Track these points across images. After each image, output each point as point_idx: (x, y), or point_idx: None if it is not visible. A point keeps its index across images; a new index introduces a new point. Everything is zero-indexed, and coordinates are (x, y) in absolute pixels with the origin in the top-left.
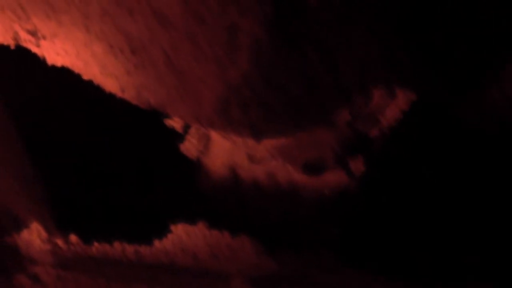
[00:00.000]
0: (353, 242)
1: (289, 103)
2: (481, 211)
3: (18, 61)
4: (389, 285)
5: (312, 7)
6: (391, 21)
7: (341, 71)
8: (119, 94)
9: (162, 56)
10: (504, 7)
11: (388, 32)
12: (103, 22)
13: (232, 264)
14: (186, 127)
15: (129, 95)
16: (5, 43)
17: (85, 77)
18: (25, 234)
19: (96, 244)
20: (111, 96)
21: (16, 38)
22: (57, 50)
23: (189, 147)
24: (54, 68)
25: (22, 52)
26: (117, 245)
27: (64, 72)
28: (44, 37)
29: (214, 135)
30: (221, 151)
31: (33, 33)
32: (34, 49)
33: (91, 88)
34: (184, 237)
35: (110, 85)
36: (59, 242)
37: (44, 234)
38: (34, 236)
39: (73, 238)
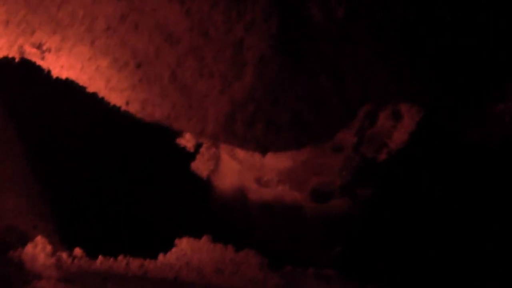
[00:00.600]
0: (357, 259)
1: (295, 120)
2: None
3: (23, 73)
4: None
5: (317, 22)
6: (396, 37)
7: (347, 88)
8: (123, 107)
9: (167, 71)
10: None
11: (394, 49)
12: (107, 37)
13: (236, 279)
14: (198, 146)
15: (133, 108)
16: (10, 55)
17: (90, 90)
18: (29, 249)
19: (100, 258)
20: (116, 111)
21: (21, 51)
22: (62, 63)
23: (200, 166)
24: (58, 81)
25: (26, 65)
26: (121, 259)
27: (69, 85)
28: (49, 51)
29: (224, 156)
30: (230, 172)
31: (38, 47)
32: (39, 62)
33: (96, 102)
34: (188, 251)
35: (114, 98)
36: (64, 256)
37: (48, 248)
38: (38, 250)
39: (77, 251)
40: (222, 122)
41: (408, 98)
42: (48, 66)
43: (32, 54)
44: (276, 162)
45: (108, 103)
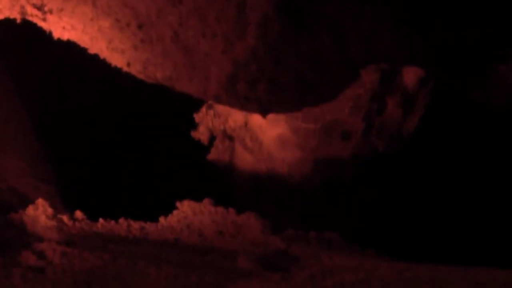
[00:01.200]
0: (359, 224)
1: (296, 79)
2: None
3: (24, 35)
4: (394, 264)
5: None
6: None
7: (349, 47)
8: (125, 68)
9: (169, 31)
10: None
11: (396, 9)
12: None
13: (238, 241)
14: (212, 139)
15: (135, 69)
16: (12, 17)
17: (91, 51)
18: (30, 211)
19: (101, 220)
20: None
21: (22, 12)
22: (64, 24)
23: (215, 158)
24: (60, 42)
25: (28, 26)
26: (122, 221)
27: (71, 46)
28: (50, 12)
29: (238, 147)
30: (244, 163)
31: (39, 8)
32: (40, 23)
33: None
34: (189, 214)
35: (116, 59)
36: (65, 218)
37: (49, 210)
38: (39, 213)
39: (78, 214)
40: (224, 82)
41: (411, 59)
42: (50, 28)
43: (34, 16)
44: (284, 153)
45: (110, 64)
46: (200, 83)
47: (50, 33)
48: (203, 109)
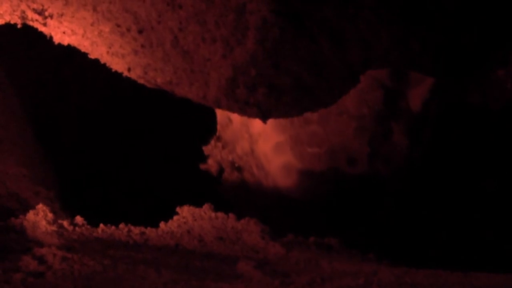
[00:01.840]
0: (358, 228)
1: (296, 83)
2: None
3: (25, 40)
4: (394, 269)
5: None
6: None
7: (349, 52)
8: (125, 73)
9: (169, 36)
10: None
11: (394, 12)
12: (110, 2)
13: (238, 247)
14: (221, 171)
15: (135, 74)
16: (12, 22)
17: (92, 56)
18: (31, 216)
19: (101, 225)
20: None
21: (23, 17)
22: (64, 29)
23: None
24: (60, 47)
25: (29, 31)
26: (122, 226)
27: (71, 51)
28: (51, 16)
29: (248, 176)
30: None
31: (40, 12)
32: (41, 28)
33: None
34: (190, 219)
35: (116, 64)
36: (65, 223)
37: (50, 215)
38: (39, 218)
39: (78, 219)
40: (224, 86)
41: (410, 62)
42: (50, 32)
43: (34, 20)
44: (290, 182)
45: (110, 69)
46: (200, 88)
47: (51, 37)
48: (212, 141)
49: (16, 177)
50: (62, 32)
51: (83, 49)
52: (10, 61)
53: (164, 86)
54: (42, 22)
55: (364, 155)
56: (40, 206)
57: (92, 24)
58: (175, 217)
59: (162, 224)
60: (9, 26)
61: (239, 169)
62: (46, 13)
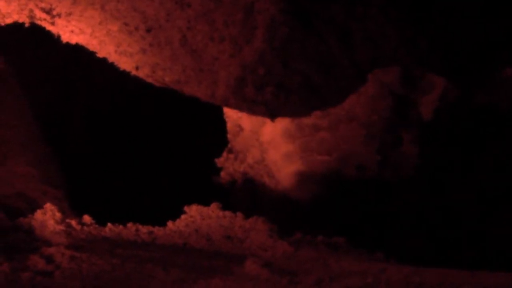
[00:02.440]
0: (365, 227)
1: (304, 82)
2: None
3: (33, 39)
4: (402, 268)
5: None
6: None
7: (357, 51)
8: (133, 72)
9: (177, 35)
10: None
11: (402, 11)
12: (118, 1)
13: (245, 246)
14: (233, 183)
15: (143, 73)
16: (20, 21)
17: (100, 55)
18: (39, 215)
19: (109, 225)
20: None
21: (31, 16)
22: (72, 28)
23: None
24: (68, 46)
25: (36, 30)
26: (130, 226)
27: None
28: (59, 15)
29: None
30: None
31: (48, 11)
32: (49, 27)
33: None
34: (197, 218)
35: (124, 63)
36: (73, 223)
37: (58, 215)
38: (48, 217)
39: (86, 218)
40: (232, 85)
41: (418, 61)
42: (58, 31)
43: (42, 20)
44: (301, 193)
45: (118, 68)
46: (209, 87)
47: (59, 37)
48: (224, 153)
49: (25, 177)
50: (70, 31)
51: (91, 48)
52: (19, 61)
53: (172, 85)
54: (50, 21)
55: (374, 163)
56: (48, 205)
57: (100, 23)
58: (182, 216)
59: (170, 223)
60: (17, 26)
61: (250, 181)
62: (54, 12)
